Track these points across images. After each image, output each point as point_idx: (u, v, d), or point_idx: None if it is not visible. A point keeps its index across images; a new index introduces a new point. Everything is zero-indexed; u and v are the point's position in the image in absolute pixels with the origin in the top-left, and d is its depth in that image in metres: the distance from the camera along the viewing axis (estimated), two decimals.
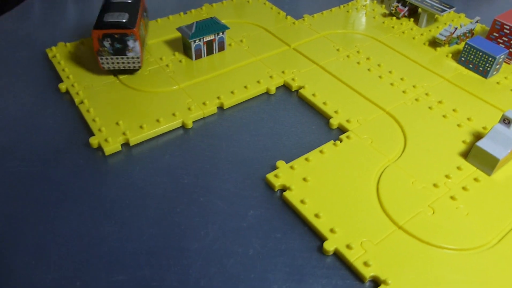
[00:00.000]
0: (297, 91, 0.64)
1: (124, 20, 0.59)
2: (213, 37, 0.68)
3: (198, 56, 0.69)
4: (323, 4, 0.88)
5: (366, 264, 0.41)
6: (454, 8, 0.78)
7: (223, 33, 0.69)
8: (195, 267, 0.41)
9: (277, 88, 0.65)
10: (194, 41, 0.67)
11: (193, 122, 0.58)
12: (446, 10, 0.76)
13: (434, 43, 0.74)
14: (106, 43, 0.58)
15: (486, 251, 0.43)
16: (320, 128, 0.58)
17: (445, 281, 0.40)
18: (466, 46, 0.67)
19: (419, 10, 0.79)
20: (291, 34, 0.76)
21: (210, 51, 0.69)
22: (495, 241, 0.44)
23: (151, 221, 0.45)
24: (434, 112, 0.60)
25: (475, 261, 0.42)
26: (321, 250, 0.43)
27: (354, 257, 0.42)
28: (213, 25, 0.69)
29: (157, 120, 0.57)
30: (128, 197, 0.48)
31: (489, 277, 0.40)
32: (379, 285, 0.40)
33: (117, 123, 0.56)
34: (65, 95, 0.62)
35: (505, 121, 0.51)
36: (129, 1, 0.64)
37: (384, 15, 0.82)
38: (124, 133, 0.54)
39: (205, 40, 0.68)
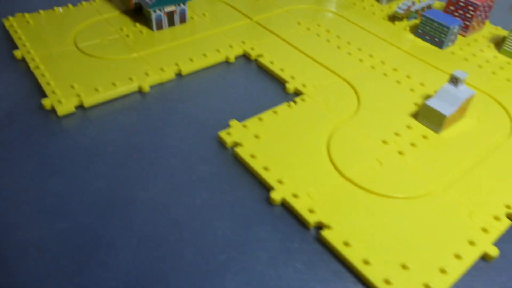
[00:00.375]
0: (256, 60, 0.65)
1: None
2: (174, 8, 0.69)
3: (159, 27, 0.69)
4: None
5: (311, 211, 0.42)
6: None
7: (184, 4, 0.69)
8: (140, 215, 0.41)
9: (236, 58, 0.65)
10: (155, 11, 0.67)
11: (151, 87, 0.58)
12: None
13: (394, 18, 0.75)
14: None
15: (428, 199, 0.44)
16: (276, 92, 0.59)
17: (385, 225, 0.41)
18: (423, 18, 0.69)
19: None
20: (254, 9, 0.77)
21: (171, 23, 0.70)
22: (441, 189, 0.45)
23: (99, 175, 0.45)
24: (388, 78, 0.61)
25: (415, 208, 0.43)
26: (268, 200, 0.44)
27: (300, 205, 0.42)
28: None
29: (113, 84, 0.56)
30: (78, 155, 0.48)
31: (435, 221, 0.41)
32: (322, 229, 0.40)
33: (72, 86, 0.56)
34: (21, 62, 0.61)
35: (453, 80, 0.52)
36: None
37: None
38: (78, 95, 0.54)
39: (166, 10, 0.68)
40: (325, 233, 0.40)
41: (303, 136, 0.50)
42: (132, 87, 0.57)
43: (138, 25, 0.69)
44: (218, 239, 0.40)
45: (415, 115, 0.54)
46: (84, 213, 0.41)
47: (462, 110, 0.52)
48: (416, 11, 0.74)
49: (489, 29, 0.75)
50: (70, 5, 0.73)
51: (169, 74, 0.60)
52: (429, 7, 0.76)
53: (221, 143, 0.50)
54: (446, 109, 0.50)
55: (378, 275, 0.37)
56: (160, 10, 0.67)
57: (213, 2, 0.78)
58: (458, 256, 0.38)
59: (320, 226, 0.41)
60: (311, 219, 0.41)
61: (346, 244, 0.39)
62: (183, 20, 0.71)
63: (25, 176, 0.45)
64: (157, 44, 0.65)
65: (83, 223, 0.40)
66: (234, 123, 0.52)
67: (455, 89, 0.52)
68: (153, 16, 0.67)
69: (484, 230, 0.41)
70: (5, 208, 0.41)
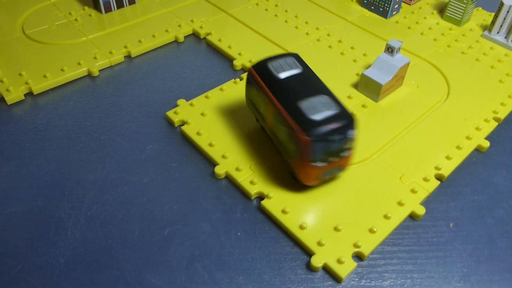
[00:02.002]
0: (205, 38, 0.66)
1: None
2: None
3: (108, 9, 0.69)
4: None
5: (252, 182, 0.44)
6: None
7: None
8: (89, 195, 0.43)
9: (186, 37, 0.66)
10: None
11: (100, 70, 0.59)
12: None
13: None
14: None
15: (363, 166, 0.46)
16: (224, 70, 0.60)
17: (321, 192, 0.44)
18: None
19: None
20: None
21: (120, 5, 0.70)
22: (376, 156, 0.48)
23: (49, 159, 0.47)
24: (333, 50, 0.63)
25: (350, 175, 0.45)
26: (213, 175, 0.46)
27: (242, 178, 0.45)
28: None
29: (62, 69, 0.57)
30: (28, 140, 0.49)
31: (368, 186, 0.44)
32: (262, 199, 0.43)
33: (20, 74, 0.56)
34: None
35: (389, 49, 0.54)
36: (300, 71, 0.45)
37: None
38: (26, 83, 0.55)
39: None
40: (265, 202, 0.43)
41: (247, 112, 0.52)
42: (81, 72, 0.58)
43: (87, 8, 0.69)
44: (164, 213, 0.42)
45: (356, 85, 0.56)
46: (34, 197, 0.43)
47: (399, 78, 0.55)
48: None
49: None
50: None
51: (118, 57, 0.61)
52: None
53: (170, 122, 0.52)
54: (382, 78, 0.53)
55: (312, 238, 0.40)
56: None
57: None
58: (386, 217, 0.41)
59: (261, 197, 0.44)
60: (252, 190, 0.44)
61: (284, 212, 0.42)
62: (132, 1, 0.71)
63: None
64: (106, 27, 0.65)
65: (33, 206, 0.42)
66: (181, 102, 0.53)
67: (391, 58, 0.54)
68: (101, 0, 0.67)
69: (413, 191, 0.44)
70: None
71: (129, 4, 0.71)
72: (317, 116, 0.39)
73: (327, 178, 0.43)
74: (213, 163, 0.47)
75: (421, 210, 0.42)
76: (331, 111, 0.39)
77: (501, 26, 0.65)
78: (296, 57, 0.46)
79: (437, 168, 0.46)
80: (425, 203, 0.44)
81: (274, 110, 0.42)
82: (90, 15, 0.68)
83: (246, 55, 0.61)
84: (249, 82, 0.46)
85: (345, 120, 0.39)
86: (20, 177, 0.45)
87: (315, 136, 0.38)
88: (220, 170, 0.45)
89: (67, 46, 0.61)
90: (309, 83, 0.43)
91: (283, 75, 0.43)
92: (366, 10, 0.72)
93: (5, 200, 0.42)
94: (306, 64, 0.45)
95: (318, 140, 0.38)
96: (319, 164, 0.40)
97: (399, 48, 0.54)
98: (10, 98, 0.53)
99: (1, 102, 0.54)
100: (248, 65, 0.59)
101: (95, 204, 0.42)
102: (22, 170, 0.45)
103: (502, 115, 0.53)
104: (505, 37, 0.65)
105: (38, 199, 0.43)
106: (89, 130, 0.50)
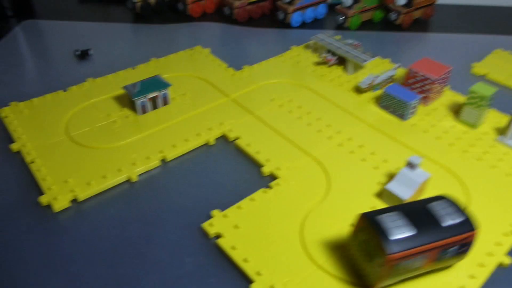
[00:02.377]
0: (234, 142, 0.71)
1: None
2: (157, 94, 0.75)
3: (144, 111, 0.74)
4: (263, 54, 0.95)
5: None
6: (377, 57, 0.86)
7: (166, 89, 0.75)
8: None
9: (216, 139, 0.71)
10: (139, 99, 0.72)
11: (138, 176, 0.64)
12: (367, 60, 0.85)
13: (360, 90, 0.82)
14: None
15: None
16: (253, 176, 0.64)
17: None
18: (384, 93, 0.76)
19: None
20: (230, 85, 0.83)
21: (155, 106, 0.75)
22: None
23: (97, 275, 0.50)
24: (355, 156, 0.67)
25: None
26: None
27: None
28: (156, 83, 0.75)
29: (104, 176, 0.62)
30: (76, 252, 0.53)
31: None
32: None
33: (65, 181, 0.61)
34: (17, 155, 0.66)
35: (410, 165, 0.58)
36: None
37: (317, 64, 0.91)
38: (72, 190, 0.59)
39: (149, 97, 0.74)
40: None
41: (278, 224, 0.56)
42: (122, 178, 0.62)
43: (124, 109, 0.75)
44: None
45: (379, 195, 0.60)
46: None
47: (419, 191, 0.59)
48: (379, 84, 0.81)
49: (448, 96, 0.82)
50: (60, 91, 0.79)
51: (154, 162, 0.65)
52: (391, 78, 0.83)
53: (204, 233, 0.55)
54: (404, 193, 0.57)
55: None
56: (144, 97, 0.73)
57: (192, 80, 0.84)
58: None
59: None
60: None
61: None
62: (165, 102, 0.77)
63: (30, 279, 0.49)
64: (142, 129, 0.71)
65: None
66: (215, 213, 0.57)
67: (412, 173, 0.58)
68: (138, 103, 0.73)
69: None
70: None
71: (163, 105, 0.76)
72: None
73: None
74: (248, 280, 0.50)
75: None
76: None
77: None
78: (466, 223, 0.47)
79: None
80: None
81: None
82: (127, 116, 0.73)
83: (274, 161, 0.66)
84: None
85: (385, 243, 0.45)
86: None
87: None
88: None
89: (107, 150, 0.66)
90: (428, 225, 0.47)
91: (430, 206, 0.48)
92: (384, 112, 0.77)
93: None
94: (458, 233, 0.46)
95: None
96: None
97: (419, 164, 0.58)
98: (57, 207, 0.57)
99: (48, 209, 0.58)
100: (276, 172, 0.64)
101: None
102: (71, 287, 0.49)
103: None
104: None
105: None
106: (131, 241, 0.54)
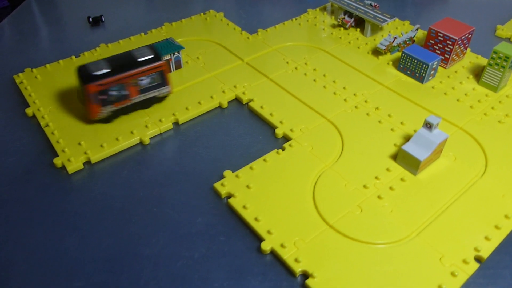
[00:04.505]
0: (247, 103, 0.70)
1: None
2: (170, 57, 0.74)
3: None
4: (277, 18, 0.93)
5: (296, 260, 0.47)
6: (395, 18, 0.83)
7: (178, 52, 0.74)
8: (146, 271, 0.46)
9: (229, 102, 0.70)
10: None
11: (151, 138, 0.63)
12: (386, 20, 0.82)
13: (377, 51, 0.80)
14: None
15: (403, 244, 0.48)
16: (266, 138, 0.64)
17: (367, 272, 0.46)
18: (403, 54, 0.73)
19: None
20: (245, 49, 0.81)
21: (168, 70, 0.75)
22: (415, 234, 0.49)
23: (109, 232, 0.51)
24: (371, 118, 0.65)
25: (390, 254, 0.47)
26: (259, 250, 0.49)
27: (287, 255, 0.47)
28: (169, 46, 0.74)
29: (117, 139, 0.62)
30: (89, 211, 0.53)
31: (409, 266, 0.46)
32: (307, 278, 0.45)
33: (79, 143, 0.61)
34: (32, 119, 0.67)
35: (427, 125, 0.56)
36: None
37: (333, 26, 0.88)
38: (85, 152, 0.59)
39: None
40: (309, 282, 0.45)
41: (291, 184, 0.55)
42: (134, 141, 0.62)
43: None
44: None
45: (395, 157, 0.58)
46: (97, 271, 0.46)
47: (437, 152, 0.57)
48: (399, 45, 0.79)
49: (470, 58, 0.79)
50: (73, 57, 0.79)
51: (167, 124, 0.65)
52: (411, 39, 0.80)
53: (217, 194, 0.55)
54: (420, 154, 0.55)
55: None
56: None
57: (206, 44, 0.83)
58: None
59: (305, 275, 0.46)
60: (297, 268, 0.46)
61: None
62: (178, 66, 0.76)
63: (45, 235, 0.50)
64: None
65: (97, 281, 0.46)
66: (227, 173, 0.57)
67: (429, 133, 0.56)
68: None
69: (453, 274, 0.45)
70: (24, 269, 0.47)
71: (176, 69, 0.76)
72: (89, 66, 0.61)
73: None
74: (259, 238, 0.50)
75: None
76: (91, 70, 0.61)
77: None
78: (155, 59, 0.64)
79: (476, 249, 0.48)
80: (464, 287, 0.45)
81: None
82: None
83: (287, 122, 0.64)
84: None
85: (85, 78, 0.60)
86: (84, 249, 0.49)
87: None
88: (266, 246, 0.48)
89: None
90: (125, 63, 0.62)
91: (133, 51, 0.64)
92: (402, 74, 0.75)
93: (71, 273, 0.46)
94: (148, 64, 0.63)
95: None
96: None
97: (437, 124, 0.56)
98: (71, 168, 0.58)
99: (62, 170, 0.58)
100: (290, 133, 0.62)
101: (152, 280, 0.46)
102: (84, 242, 0.49)
103: None
104: None
105: (101, 273, 0.46)
106: (143, 201, 0.54)
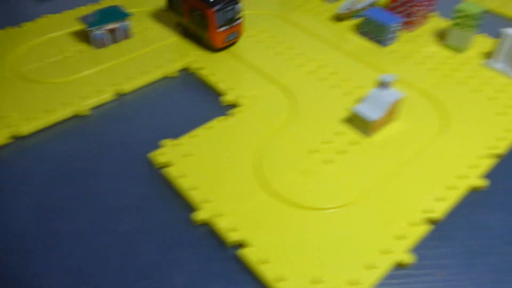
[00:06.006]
0: (197, 73, 0.65)
1: None
2: (116, 25, 0.69)
3: (101, 45, 0.69)
4: None
5: (233, 229, 0.43)
6: None
7: (125, 20, 0.70)
8: (64, 248, 0.42)
9: (179, 71, 0.66)
10: (96, 29, 0.67)
11: (92, 109, 0.59)
12: None
13: (339, 18, 0.76)
14: None
15: (348, 209, 0.45)
16: (214, 105, 0.59)
17: (305, 239, 0.42)
18: (364, 17, 0.69)
19: None
20: None
21: (114, 40, 0.70)
22: (363, 197, 0.46)
23: (29, 208, 0.46)
24: (326, 82, 0.61)
25: (335, 219, 0.44)
26: (193, 221, 0.45)
27: (222, 224, 0.43)
28: (116, 13, 0.69)
29: (50, 111, 0.57)
30: (10, 188, 0.49)
31: (354, 231, 0.42)
32: (243, 247, 0.42)
33: (5, 116, 0.56)
34: None
35: (380, 84, 0.52)
36: None
37: None
38: (14, 125, 0.55)
39: (107, 28, 0.68)
40: (244, 251, 0.41)
41: (234, 151, 0.51)
42: (69, 112, 0.58)
43: (81, 44, 0.70)
44: (140, 266, 0.41)
45: (348, 120, 0.55)
46: (8, 250, 0.42)
47: (391, 113, 0.53)
48: (362, 9, 0.75)
49: (436, 23, 0.75)
50: (14, 27, 0.74)
51: (109, 94, 0.60)
52: (374, 4, 0.76)
53: (154, 164, 0.51)
54: (372, 114, 0.51)
55: None
56: (100, 28, 0.67)
57: (159, 15, 0.78)
58: (371, 267, 0.39)
59: (241, 244, 0.42)
60: (232, 237, 0.42)
61: (264, 261, 0.40)
62: (127, 36, 0.71)
63: None
64: (99, 63, 0.66)
65: (5, 260, 0.41)
66: (166, 142, 0.53)
67: (382, 92, 0.52)
68: (95, 35, 0.67)
69: (400, 237, 0.42)
70: None
71: (125, 39, 0.71)
72: None
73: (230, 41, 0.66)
74: (195, 209, 0.46)
75: (408, 258, 0.40)
76: None
77: (501, 55, 0.62)
78: None
79: (427, 211, 0.44)
80: (414, 250, 0.41)
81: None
82: (83, 51, 0.68)
83: (238, 89, 0.60)
84: None
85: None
86: None
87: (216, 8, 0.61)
88: (200, 216, 0.44)
89: (57, 85, 0.62)
90: None
91: None
92: (363, 39, 0.71)
93: None
94: None
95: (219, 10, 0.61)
96: (222, 29, 0.63)
97: (391, 83, 0.52)
98: None
99: None
100: (239, 100, 0.58)
101: (69, 258, 0.41)
102: None
103: (500, 150, 0.51)
104: (506, 66, 0.62)
105: (11, 253, 0.42)
106: (72, 175, 0.50)
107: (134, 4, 0.80)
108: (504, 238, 0.43)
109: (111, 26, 0.69)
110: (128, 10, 0.71)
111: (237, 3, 0.64)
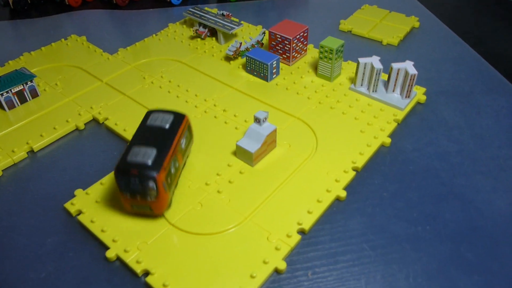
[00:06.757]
0: (103, 123, 0.72)
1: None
2: (22, 87, 0.75)
3: (11, 106, 0.74)
4: (140, 35, 0.97)
5: (138, 261, 0.50)
6: (242, 25, 0.90)
7: (31, 81, 0.75)
8: None
9: (87, 124, 0.73)
10: (2, 94, 0.72)
11: (3, 170, 0.64)
12: (234, 28, 0.88)
13: (229, 58, 0.86)
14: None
15: (239, 229, 0.54)
16: (121, 152, 0.67)
17: (203, 261, 0.50)
18: (246, 57, 0.80)
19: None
20: (104, 70, 0.84)
21: (23, 100, 0.76)
22: (248, 219, 0.55)
23: None
24: (218, 120, 0.71)
25: (229, 238, 0.52)
26: (106, 259, 0.52)
27: (129, 258, 0.51)
28: (20, 76, 0.75)
29: None
30: None
31: (240, 248, 0.51)
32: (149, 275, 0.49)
33: None
34: None
35: (256, 120, 0.62)
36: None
37: (191, 38, 0.93)
38: None
39: (13, 91, 0.74)
40: (148, 278, 0.49)
41: None
42: None
43: None
44: None
45: (235, 152, 0.64)
46: None
47: (270, 143, 0.63)
48: (247, 49, 0.85)
49: (313, 54, 0.87)
50: None
51: (20, 154, 0.66)
52: (259, 42, 0.87)
53: (68, 213, 0.57)
54: (252, 147, 0.61)
55: None
56: (7, 92, 0.73)
57: (65, 69, 0.84)
58: (252, 276, 0.48)
59: (147, 273, 0.50)
60: (138, 268, 0.50)
61: (164, 286, 0.48)
62: (35, 95, 0.77)
63: None
64: (8, 125, 0.71)
65: None
66: (78, 192, 0.59)
67: (259, 127, 0.62)
68: (2, 98, 0.73)
69: (277, 248, 0.51)
70: None
71: (33, 98, 0.77)
72: (130, 159, 0.51)
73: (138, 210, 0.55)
74: (106, 248, 0.53)
75: (282, 265, 0.50)
76: (143, 160, 0.51)
77: (362, 80, 0.75)
78: (178, 117, 0.58)
79: (299, 223, 0.54)
80: (288, 257, 0.51)
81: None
82: None
83: None
84: None
85: (146, 170, 0.50)
86: None
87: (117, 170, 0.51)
88: (110, 253, 0.51)
89: None
90: (159, 137, 0.55)
91: (149, 123, 0.57)
92: (251, 76, 0.81)
93: None
94: (178, 125, 0.57)
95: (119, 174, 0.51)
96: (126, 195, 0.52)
97: (265, 118, 0.62)
98: None
99: None
100: None
101: None
102: None
103: (360, 164, 0.62)
104: (367, 89, 0.75)
105: None
106: None
107: (40, 62, 0.86)
108: (361, 238, 0.54)
109: (18, 88, 0.74)
110: (36, 68, 0.77)
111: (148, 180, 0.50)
